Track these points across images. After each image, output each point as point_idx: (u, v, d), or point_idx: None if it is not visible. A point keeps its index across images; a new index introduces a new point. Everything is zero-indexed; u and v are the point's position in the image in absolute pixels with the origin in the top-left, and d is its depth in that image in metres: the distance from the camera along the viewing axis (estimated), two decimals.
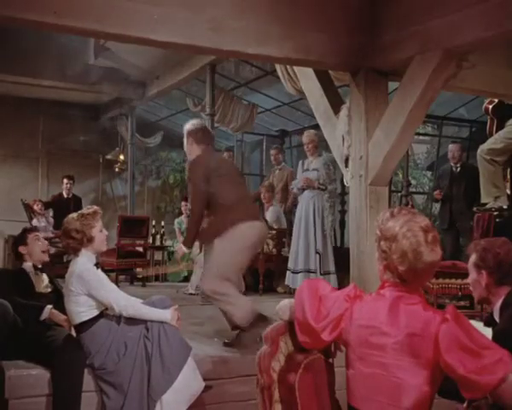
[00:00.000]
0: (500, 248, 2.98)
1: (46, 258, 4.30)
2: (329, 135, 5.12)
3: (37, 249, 4.26)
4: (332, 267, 7.51)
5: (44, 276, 4.30)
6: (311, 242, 7.52)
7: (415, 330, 2.17)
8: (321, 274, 7.33)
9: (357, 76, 4.78)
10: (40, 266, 4.29)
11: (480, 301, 3.23)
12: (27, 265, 4.24)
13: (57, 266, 6.58)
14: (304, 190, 7.73)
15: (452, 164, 7.85)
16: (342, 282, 7.36)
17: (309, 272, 7.46)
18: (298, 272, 7.54)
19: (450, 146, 8.07)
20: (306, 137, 7.88)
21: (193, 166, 4.83)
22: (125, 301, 3.87)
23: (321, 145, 7.56)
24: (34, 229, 4.58)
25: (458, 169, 7.75)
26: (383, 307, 2.26)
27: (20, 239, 4.35)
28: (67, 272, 3.93)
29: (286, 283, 7.79)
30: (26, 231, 4.39)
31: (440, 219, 8.31)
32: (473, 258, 3.03)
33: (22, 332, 3.83)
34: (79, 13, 3.73)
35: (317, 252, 7.48)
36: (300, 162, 8.18)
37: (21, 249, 4.29)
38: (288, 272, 7.69)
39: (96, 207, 4.09)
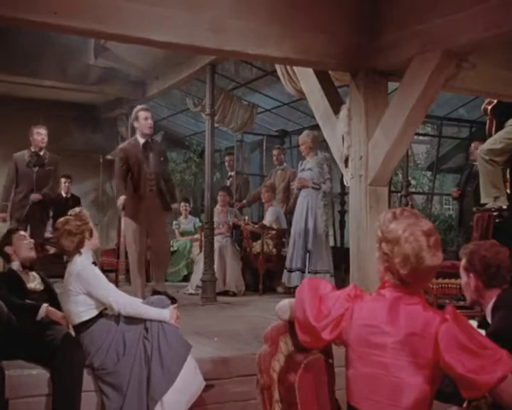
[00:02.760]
0: (487, 251, 2.99)
1: (33, 255, 4.32)
2: (329, 135, 5.12)
3: (24, 248, 4.29)
4: (325, 267, 7.53)
5: (34, 273, 4.32)
6: (302, 240, 7.56)
7: (415, 329, 2.17)
8: (308, 273, 7.36)
9: (356, 76, 4.78)
10: (28, 265, 4.30)
11: (472, 303, 3.24)
12: (15, 264, 4.26)
13: (57, 265, 6.57)
14: (300, 189, 7.81)
15: (474, 162, 7.79)
16: (342, 282, 7.38)
17: (303, 271, 7.50)
18: (293, 271, 7.59)
19: (472, 144, 8.07)
20: (300, 138, 8.02)
21: None
22: (123, 299, 3.89)
23: (322, 145, 7.56)
24: (17, 229, 4.62)
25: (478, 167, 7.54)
26: (383, 306, 2.26)
27: (4, 240, 4.38)
28: (66, 273, 3.95)
29: (282, 280, 7.84)
30: (11, 232, 4.44)
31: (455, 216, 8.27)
32: (462, 262, 3.06)
33: (19, 332, 3.83)
34: (80, 13, 3.74)
35: (307, 250, 7.51)
36: (300, 163, 8.28)
37: (7, 249, 4.31)
38: (284, 271, 7.75)
39: (80, 208, 4.34)
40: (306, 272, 7.44)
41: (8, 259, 4.33)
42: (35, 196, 7.42)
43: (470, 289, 3.03)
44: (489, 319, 2.98)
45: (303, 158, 8.22)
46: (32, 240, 4.43)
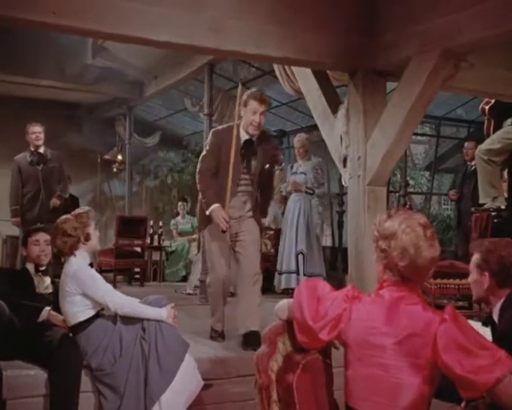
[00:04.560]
0: (504, 251, 2.96)
1: (42, 262, 4.23)
2: (327, 135, 5.12)
3: (34, 253, 4.23)
4: (319, 270, 7.55)
5: (46, 277, 4.28)
6: (293, 243, 7.57)
7: (414, 330, 2.17)
8: (304, 275, 7.38)
9: (355, 76, 4.78)
10: (43, 268, 4.26)
11: (478, 300, 3.23)
12: (30, 265, 4.24)
13: (56, 266, 6.56)
14: (291, 192, 7.82)
15: (468, 163, 7.81)
16: (340, 282, 7.38)
17: (290, 273, 7.51)
18: (283, 273, 7.60)
19: (465, 143, 8.09)
20: (298, 141, 7.99)
21: None
22: (120, 299, 3.88)
23: (320, 146, 7.57)
24: (37, 230, 4.47)
25: (472, 168, 7.36)
26: (382, 307, 2.26)
27: (23, 240, 4.38)
28: (62, 273, 3.94)
29: (274, 283, 7.82)
30: (28, 234, 4.37)
31: (453, 218, 8.31)
32: (475, 258, 3.02)
33: (19, 332, 3.82)
34: (78, 13, 3.73)
35: (300, 253, 7.52)
36: (289, 166, 8.27)
37: (22, 250, 4.30)
38: (276, 273, 7.76)
39: (88, 208, 4.20)
40: (301, 274, 7.45)
41: (24, 259, 4.35)
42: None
43: (481, 286, 2.99)
44: (495, 318, 2.96)
45: (294, 161, 8.22)
46: (47, 247, 4.27)
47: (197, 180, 4.77)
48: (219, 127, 4.86)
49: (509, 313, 2.89)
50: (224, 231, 4.56)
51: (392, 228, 2.26)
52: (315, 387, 2.46)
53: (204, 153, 4.81)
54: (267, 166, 4.83)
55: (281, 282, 7.63)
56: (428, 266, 2.29)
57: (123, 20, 3.86)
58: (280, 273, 7.68)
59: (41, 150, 7.40)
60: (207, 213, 4.58)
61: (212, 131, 4.87)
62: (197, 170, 4.80)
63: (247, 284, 4.67)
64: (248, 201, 4.80)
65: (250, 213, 4.81)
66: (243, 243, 4.73)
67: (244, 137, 4.68)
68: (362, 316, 2.30)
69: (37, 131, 7.35)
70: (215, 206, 4.55)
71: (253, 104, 4.59)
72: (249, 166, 4.72)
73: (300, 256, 7.55)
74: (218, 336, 4.84)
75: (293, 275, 7.48)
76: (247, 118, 4.62)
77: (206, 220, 4.70)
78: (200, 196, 4.79)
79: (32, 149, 7.37)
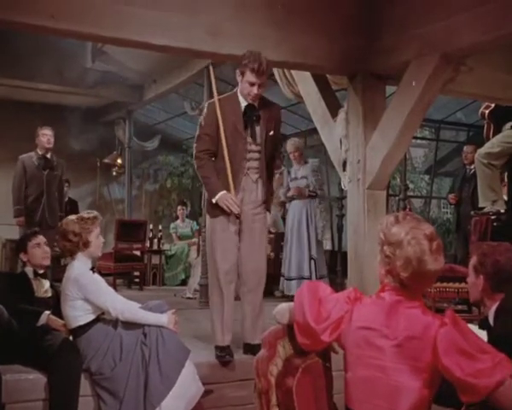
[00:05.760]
0: (501, 256, 2.95)
1: (46, 263, 4.25)
2: (327, 139, 5.13)
3: (38, 256, 4.22)
4: (325, 271, 7.58)
5: (45, 281, 4.27)
6: (304, 249, 7.56)
7: (414, 333, 2.17)
8: (316, 279, 7.37)
9: (354, 80, 4.78)
10: (41, 272, 4.26)
11: (474, 302, 3.22)
12: (29, 269, 4.23)
13: (55, 269, 6.54)
14: (293, 198, 7.78)
15: (467, 166, 7.80)
16: (340, 286, 7.37)
17: (303, 278, 7.49)
18: (292, 279, 7.57)
19: (464, 147, 8.09)
20: (291, 145, 7.93)
21: None
22: (121, 304, 3.87)
23: (319, 149, 7.56)
24: (35, 233, 4.45)
25: (472, 171, 7.31)
26: (383, 309, 2.26)
27: (20, 246, 4.35)
28: (64, 277, 3.94)
29: (280, 288, 7.81)
30: (26, 238, 4.36)
31: (453, 221, 8.32)
32: (473, 260, 3.02)
33: (18, 336, 3.81)
34: (77, 16, 3.74)
35: (311, 258, 7.51)
36: (286, 171, 8.21)
37: (22, 256, 4.27)
38: (281, 278, 7.72)
39: (96, 213, 4.16)
40: (314, 278, 7.44)
41: (23, 263, 4.32)
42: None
43: (477, 289, 2.99)
44: (491, 321, 2.96)
45: (290, 165, 8.20)
46: (48, 248, 4.30)
47: (195, 166, 4.34)
48: (215, 99, 4.18)
49: (502, 318, 2.88)
50: (238, 217, 4.12)
51: (399, 236, 2.25)
52: (315, 391, 2.46)
53: (198, 132, 4.32)
54: (271, 132, 4.23)
55: (290, 288, 7.60)
56: (430, 278, 2.29)
57: (121, 23, 3.87)
58: (289, 279, 7.64)
59: (48, 155, 7.38)
60: (214, 201, 4.09)
61: (207, 103, 4.33)
62: (193, 155, 4.37)
63: (252, 293, 4.31)
64: (260, 181, 4.25)
65: (262, 201, 4.30)
66: (246, 246, 4.25)
67: (244, 102, 4.16)
68: (362, 318, 2.30)
69: (48, 134, 7.31)
70: (221, 193, 4.07)
71: (250, 77, 4.01)
72: (255, 135, 4.17)
73: (313, 262, 7.55)
74: (224, 353, 4.19)
75: (306, 281, 7.45)
76: (244, 87, 4.08)
77: (212, 212, 4.21)
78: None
79: (40, 152, 7.33)
